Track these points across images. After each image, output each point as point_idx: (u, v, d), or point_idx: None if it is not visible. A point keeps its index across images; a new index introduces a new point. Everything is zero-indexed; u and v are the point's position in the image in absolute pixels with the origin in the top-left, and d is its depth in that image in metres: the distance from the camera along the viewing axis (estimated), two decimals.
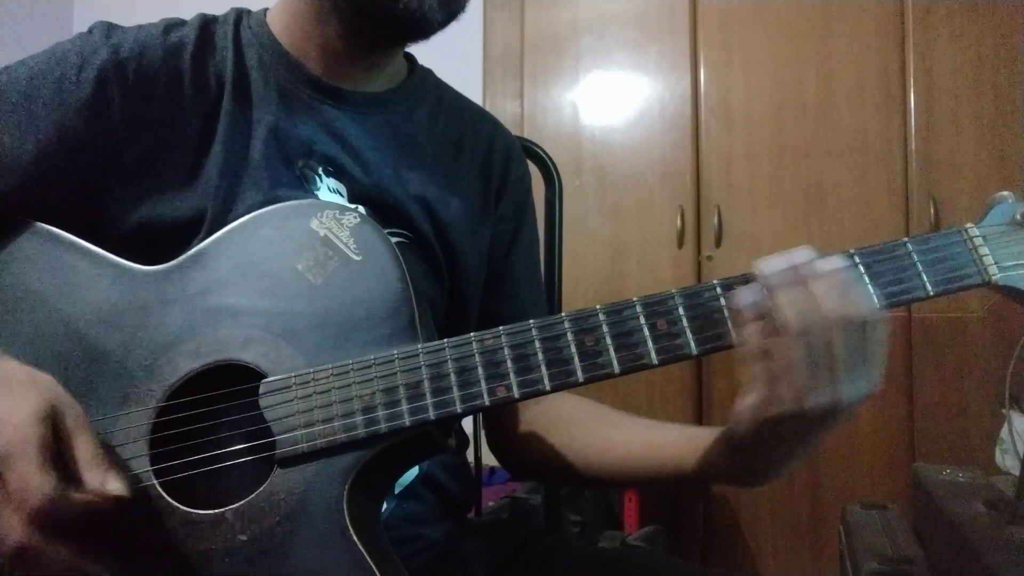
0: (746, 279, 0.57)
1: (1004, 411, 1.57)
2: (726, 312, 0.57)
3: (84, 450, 0.53)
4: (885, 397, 1.96)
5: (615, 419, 0.80)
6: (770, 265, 0.56)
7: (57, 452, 0.52)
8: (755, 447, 0.59)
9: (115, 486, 0.52)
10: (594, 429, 0.79)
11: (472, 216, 0.84)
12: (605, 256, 2.19)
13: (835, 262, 0.56)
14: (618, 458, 0.76)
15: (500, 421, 0.87)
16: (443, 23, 0.74)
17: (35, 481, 0.49)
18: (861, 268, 0.57)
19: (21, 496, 0.49)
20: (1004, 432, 1.58)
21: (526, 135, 1.96)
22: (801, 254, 0.56)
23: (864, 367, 0.55)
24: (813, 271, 0.55)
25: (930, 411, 1.94)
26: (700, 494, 2.10)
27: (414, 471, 0.78)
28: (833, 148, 2.05)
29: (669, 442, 0.71)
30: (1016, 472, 1.37)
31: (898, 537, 1.38)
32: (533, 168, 1.13)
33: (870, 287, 0.56)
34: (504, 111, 2.31)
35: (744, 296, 0.56)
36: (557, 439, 0.80)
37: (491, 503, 1.69)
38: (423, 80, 0.87)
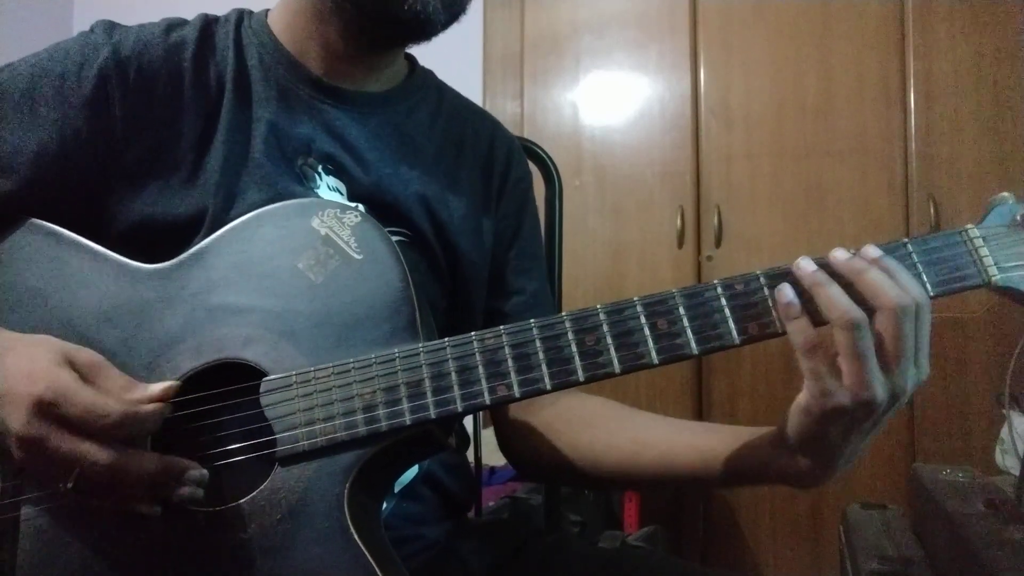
0: (780, 274, 0.58)
1: (1004, 411, 1.57)
2: (727, 311, 0.57)
3: (111, 378, 0.57)
4: None
5: (643, 417, 0.79)
6: (811, 262, 0.56)
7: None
8: (814, 444, 0.58)
9: (159, 387, 0.57)
10: (623, 427, 0.78)
11: (473, 215, 0.84)
12: (605, 256, 2.19)
13: (880, 252, 0.56)
14: (656, 457, 0.73)
15: (514, 422, 0.85)
16: (446, 24, 0.74)
17: (101, 403, 0.54)
18: (915, 256, 0.57)
19: (94, 421, 0.54)
20: (1004, 432, 1.58)
21: (526, 135, 1.96)
22: (841, 252, 0.57)
23: (917, 355, 0.55)
24: (862, 262, 0.55)
25: (930, 411, 1.94)
26: (700, 494, 2.10)
27: (414, 470, 0.78)
28: (833, 148, 2.05)
29: (712, 443, 0.69)
30: (1016, 472, 1.37)
31: (898, 537, 1.38)
32: (533, 168, 1.13)
33: (923, 275, 0.57)
34: (504, 111, 2.31)
35: (787, 292, 0.56)
36: (580, 439, 0.79)
37: (491, 503, 1.69)
38: (424, 80, 0.88)
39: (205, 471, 0.58)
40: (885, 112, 2.02)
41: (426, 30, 0.74)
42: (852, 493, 1.90)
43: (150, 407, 0.56)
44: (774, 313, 0.57)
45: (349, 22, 0.75)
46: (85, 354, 0.58)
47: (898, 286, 0.54)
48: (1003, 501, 1.22)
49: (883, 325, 0.54)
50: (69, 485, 0.54)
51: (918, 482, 1.45)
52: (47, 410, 0.54)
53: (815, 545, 2.01)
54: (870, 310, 0.54)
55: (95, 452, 0.54)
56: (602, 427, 0.79)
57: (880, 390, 0.54)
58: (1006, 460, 1.57)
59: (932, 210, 1.95)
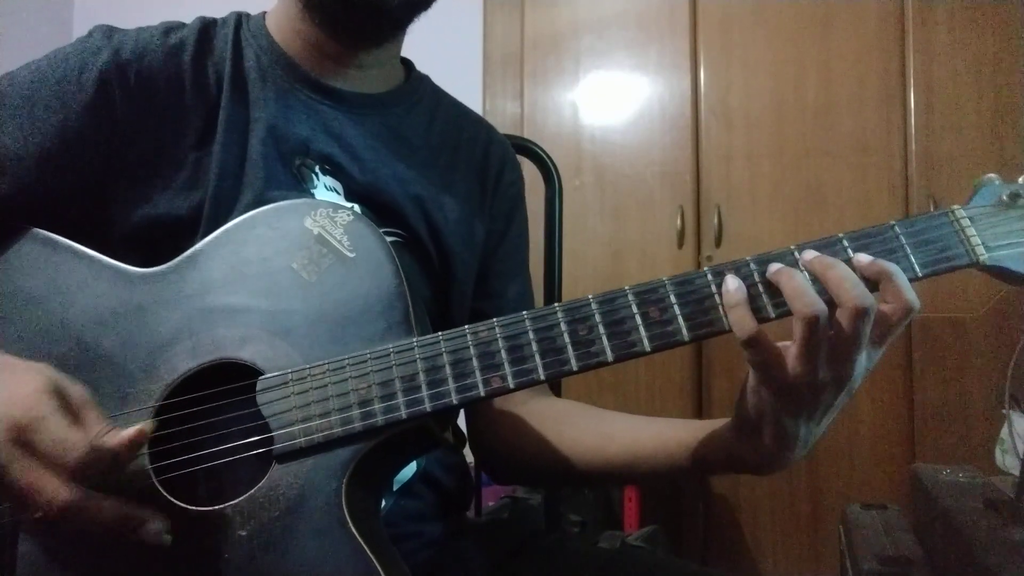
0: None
1: (1004, 411, 1.57)
2: (718, 298, 0.58)
3: (92, 419, 0.54)
4: (885, 397, 1.96)
5: (611, 414, 0.80)
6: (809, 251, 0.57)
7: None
8: (768, 426, 0.59)
9: (132, 430, 0.54)
10: (591, 423, 0.79)
11: (467, 218, 0.84)
12: (605, 256, 2.19)
13: (871, 258, 0.56)
14: (622, 449, 0.75)
15: (485, 422, 0.86)
16: (404, 7, 0.75)
17: (70, 438, 0.51)
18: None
19: (59, 455, 0.51)
20: (1004, 432, 1.58)
21: (526, 135, 1.96)
22: (810, 252, 0.57)
23: (871, 348, 0.56)
24: (829, 259, 0.56)
25: (930, 411, 1.94)
26: (700, 494, 2.10)
27: (412, 468, 0.78)
28: (833, 148, 2.05)
29: (676, 433, 0.71)
30: (1016, 472, 1.37)
31: (898, 537, 1.38)
32: (533, 168, 1.13)
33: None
34: (504, 111, 2.32)
35: (731, 282, 0.57)
36: (550, 435, 0.80)
37: (491, 503, 1.69)
38: (420, 85, 0.89)
39: (164, 525, 0.55)
40: (885, 112, 2.02)
41: (383, 10, 0.74)
42: (852, 493, 1.91)
43: (115, 446, 0.53)
44: (764, 298, 0.57)
45: (320, 15, 0.75)
46: (77, 390, 0.55)
47: (862, 285, 0.54)
48: (1003, 501, 1.22)
49: (841, 322, 0.54)
50: (36, 515, 0.51)
51: (918, 482, 1.46)
52: (18, 435, 0.51)
53: (815, 545, 2.00)
54: (831, 303, 0.54)
55: (55, 490, 0.51)
56: (569, 423, 0.80)
57: (823, 374, 0.55)
58: (1006, 460, 1.57)
59: (932, 210, 1.95)
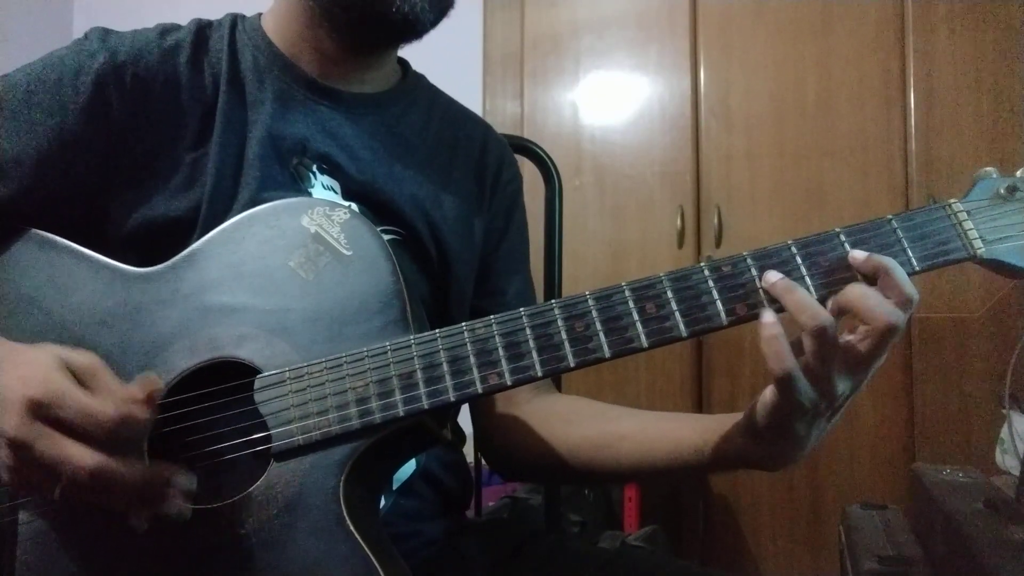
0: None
1: (1004, 411, 1.56)
2: (714, 293, 0.58)
3: (107, 382, 0.55)
4: (885, 397, 1.96)
5: (617, 411, 0.80)
6: (775, 273, 0.57)
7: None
8: (782, 434, 0.60)
9: (143, 381, 0.55)
10: (599, 422, 0.79)
11: (465, 216, 0.84)
12: (605, 256, 2.19)
13: (867, 254, 0.57)
14: (632, 451, 0.75)
15: (491, 419, 0.86)
16: (435, 21, 0.75)
17: (97, 407, 0.53)
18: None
19: (89, 424, 0.52)
20: (1004, 432, 1.58)
21: (526, 135, 1.96)
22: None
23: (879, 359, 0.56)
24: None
25: (930, 411, 1.94)
26: (700, 493, 2.10)
27: (412, 467, 0.78)
28: (833, 148, 2.04)
29: (686, 435, 0.71)
30: (1016, 472, 1.37)
31: (898, 537, 1.38)
32: (532, 168, 1.13)
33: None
34: (504, 111, 2.32)
35: (767, 315, 0.56)
36: (557, 434, 0.80)
37: (491, 503, 1.69)
38: (417, 84, 0.89)
39: (194, 476, 0.56)
40: (885, 112, 2.02)
41: (416, 29, 0.75)
42: (852, 493, 1.90)
43: (143, 409, 0.54)
44: (761, 293, 0.57)
45: (339, 25, 0.76)
46: (83, 357, 0.56)
47: (889, 300, 0.54)
48: (1003, 501, 1.22)
49: (871, 339, 0.54)
50: (56, 493, 0.52)
51: (918, 482, 1.45)
52: (40, 412, 0.52)
53: (815, 545, 2.00)
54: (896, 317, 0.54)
55: (83, 456, 0.52)
56: (577, 421, 0.80)
57: (843, 387, 0.56)
58: (1006, 460, 1.57)
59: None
